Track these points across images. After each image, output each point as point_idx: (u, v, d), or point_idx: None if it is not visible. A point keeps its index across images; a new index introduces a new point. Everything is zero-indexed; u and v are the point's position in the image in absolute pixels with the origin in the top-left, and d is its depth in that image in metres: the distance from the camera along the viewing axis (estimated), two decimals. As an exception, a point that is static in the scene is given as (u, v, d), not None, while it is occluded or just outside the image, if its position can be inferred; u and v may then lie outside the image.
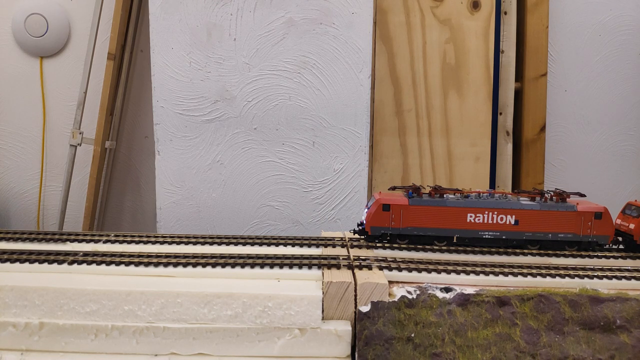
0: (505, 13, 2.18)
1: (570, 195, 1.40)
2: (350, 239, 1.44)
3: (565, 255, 1.34)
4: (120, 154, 2.33)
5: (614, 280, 1.17)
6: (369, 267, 1.18)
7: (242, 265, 1.20)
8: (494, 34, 2.14)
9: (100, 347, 1.07)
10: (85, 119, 2.18)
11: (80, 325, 1.07)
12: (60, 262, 1.20)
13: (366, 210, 1.39)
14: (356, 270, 1.16)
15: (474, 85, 2.15)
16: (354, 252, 1.32)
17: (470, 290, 1.10)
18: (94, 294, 1.07)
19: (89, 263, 1.20)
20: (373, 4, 1.81)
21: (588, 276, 1.17)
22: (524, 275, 1.17)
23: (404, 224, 1.35)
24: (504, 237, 1.36)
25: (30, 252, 1.25)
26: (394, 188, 1.49)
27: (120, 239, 1.42)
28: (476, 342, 1.04)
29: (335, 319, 1.08)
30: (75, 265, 1.19)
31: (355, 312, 1.08)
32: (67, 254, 1.25)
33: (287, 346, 1.07)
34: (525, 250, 1.35)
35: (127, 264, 1.19)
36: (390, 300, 1.07)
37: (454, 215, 1.34)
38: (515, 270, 1.19)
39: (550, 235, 1.35)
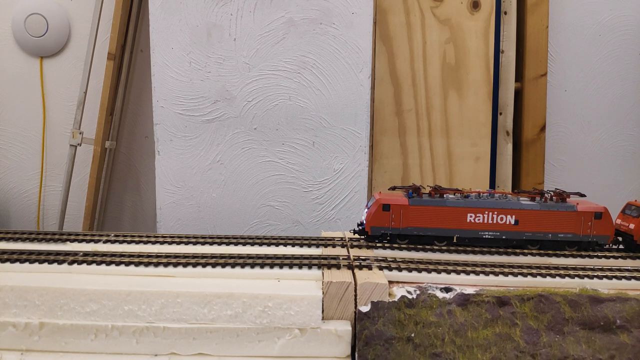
0: (505, 13, 2.18)
1: (570, 195, 1.40)
2: (350, 239, 1.44)
3: (565, 255, 1.34)
4: (120, 154, 2.33)
5: (614, 280, 1.17)
6: (369, 267, 1.18)
7: (242, 265, 1.20)
8: (494, 34, 2.14)
9: (100, 347, 1.07)
10: (85, 119, 2.18)
11: (80, 325, 1.07)
12: (60, 262, 1.20)
13: (366, 210, 1.39)
14: (356, 270, 1.16)
15: (474, 85, 2.15)
16: (354, 252, 1.32)
17: (470, 290, 1.10)
18: (94, 294, 1.07)
19: (89, 263, 1.20)
20: (373, 4, 1.81)
21: (588, 276, 1.17)
22: (524, 275, 1.17)
23: (404, 224, 1.35)
24: (504, 237, 1.36)
25: (30, 252, 1.25)
26: (394, 188, 1.49)
27: (120, 239, 1.42)
28: (476, 342, 1.04)
29: (335, 319, 1.08)
30: (75, 265, 1.19)
31: (355, 312, 1.08)
32: (67, 254, 1.25)
33: (287, 346, 1.07)
34: (525, 250, 1.35)
35: (127, 264, 1.20)
36: (390, 300, 1.07)
37: (454, 215, 1.34)
38: (515, 270, 1.19)
39: (550, 235, 1.35)
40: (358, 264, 1.19)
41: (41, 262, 1.21)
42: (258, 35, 1.79)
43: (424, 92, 2.15)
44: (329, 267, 1.19)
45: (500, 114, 2.22)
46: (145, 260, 1.21)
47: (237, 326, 1.07)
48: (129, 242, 1.40)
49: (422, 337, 1.04)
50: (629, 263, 1.30)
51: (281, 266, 1.20)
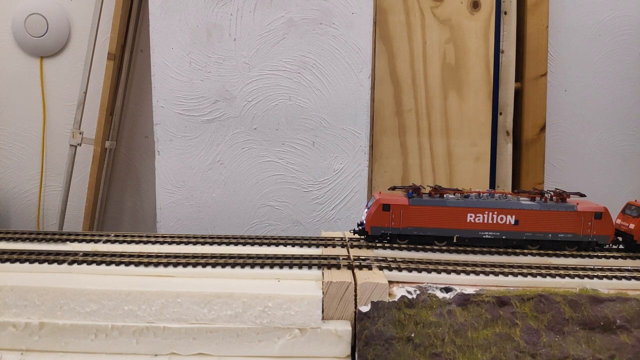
0: (505, 13, 2.18)
1: (570, 195, 1.40)
2: (350, 239, 1.44)
3: (565, 255, 1.34)
4: (120, 154, 2.33)
5: (614, 280, 1.17)
6: (369, 267, 1.18)
7: (242, 265, 1.20)
8: (494, 34, 2.14)
9: (100, 347, 1.07)
10: (85, 119, 2.18)
11: (80, 325, 1.07)
12: (60, 262, 1.20)
13: (366, 210, 1.39)
14: (356, 270, 1.16)
15: (474, 85, 2.15)
16: (354, 252, 1.32)
17: (470, 290, 1.10)
18: (94, 294, 1.07)
19: (89, 263, 1.20)
20: (373, 4, 1.81)
21: (588, 276, 1.17)
22: (524, 275, 1.17)
23: (404, 224, 1.35)
24: (504, 237, 1.36)
25: (30, 252, 1.25)
26: (394, 188, 1.49)
27: (120, 239, 1.42)
28: (476, 342, 1.03)
29: (335, 319, 1.08)
30: (75, 265, 1.19)
31: (355, 312, 1.08)
32: (67, 254, 1.25)
33: (287, 346, 1.07)
34: (525, 250, 1.35)
35: (127, 264, 1.20)
36: (390, 300, 1.07)
37: (454, 215, 1.34)
38: (515, 270, 1.19)
39: (550, 235, 1.35)
40: (358, 264, 1.19)
41: (41, 262, 1.21)
42: (258, 35, 1.79)
43: (424, 92, 2.15)
44: (329, 267, 1.19)
45: (500, 114, 2.22)
46: (145, 260, 1.21)
47: (237, 326, 1.07)
48: (129, 242, 1.40)
49: (422, 337, 1.04)
50: (629, 263, 1.30)
51: (281, 266, 1.20)
